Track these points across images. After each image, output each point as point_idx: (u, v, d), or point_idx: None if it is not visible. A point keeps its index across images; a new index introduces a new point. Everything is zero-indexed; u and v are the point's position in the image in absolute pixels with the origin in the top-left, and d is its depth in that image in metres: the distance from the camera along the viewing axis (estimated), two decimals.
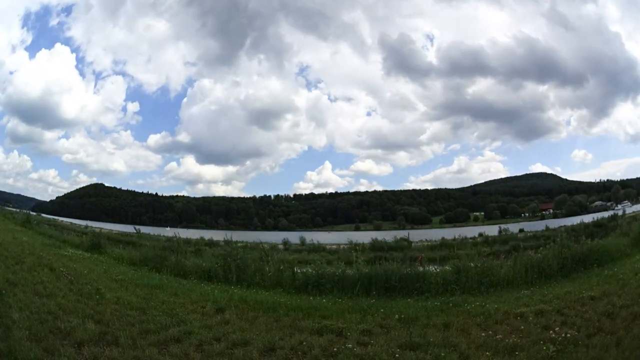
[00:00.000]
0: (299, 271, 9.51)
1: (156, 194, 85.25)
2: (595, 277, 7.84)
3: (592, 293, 6.50)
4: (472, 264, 8.76)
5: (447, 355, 4.57)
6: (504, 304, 6.68)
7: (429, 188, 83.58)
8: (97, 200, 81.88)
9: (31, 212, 42.32)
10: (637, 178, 70.23)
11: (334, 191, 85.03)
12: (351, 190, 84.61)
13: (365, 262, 9.41)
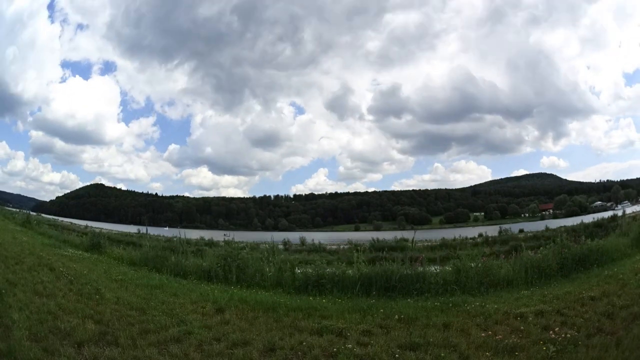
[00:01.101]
0: (299, 271, 9.51)
1: (156, 194, 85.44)
2: (595, 278, 7.83)
3: (592, 293, 6.49)
4: (472, 264, 8.77)
5: (447, 355, 4.57)
6: (503, 304, 6.68)
7: (429, 188, 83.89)
8: (97, 200, 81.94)
9: (31, 212, 42.32)
10: (637, 178, 70.37)
11: (334, 191, 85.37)
12: (350, 191, 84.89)
13: (365, 262, 9.41)
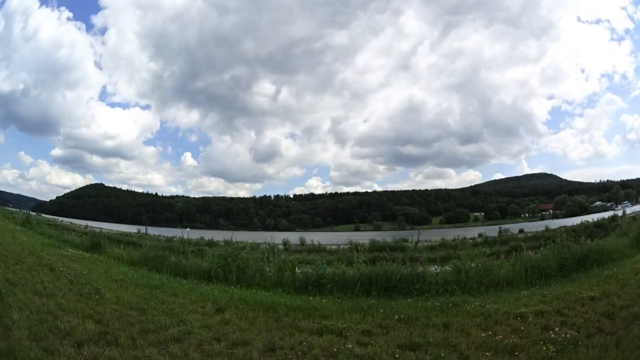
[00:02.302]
0: (299, 271, 9.51)
1: (156, 194, 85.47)
2: (595, 278, 7.83)
3: (591, 293, 6.50)
4: (472, 264, 8.77)
5: (447, 355, 4.57)
6: (503, 304, 6.68)
7: (429, 188, 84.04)
8: (97, 200, 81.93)
9: (31, 212, 42.34)
10: (637, 178, 70.39)
11: (334, 191, 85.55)
12: (350, 191, 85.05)
13: (366, 263, 9.41)
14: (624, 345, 4.36)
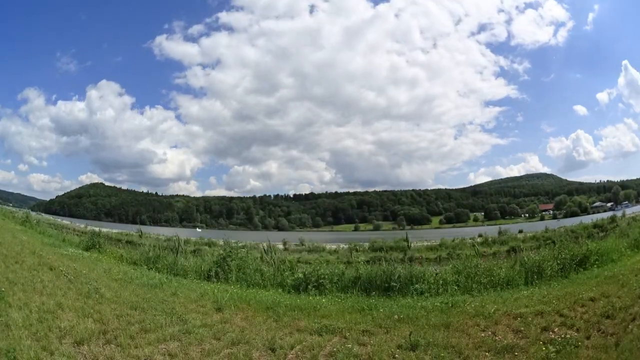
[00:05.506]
0: (299, 271, 9.51)
1: (156, 193, 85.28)
2: (595, 278, 7.83)
3: (591, 294, 6.49)
4: (472, 265, 8.77)
5: (446, 355, 4.57)
6: (503, 304, 6.68)
7: (429, 188, 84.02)
8: (97, 199, 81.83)
9: (31, 212, 42.30)
10: (637, 179, 70.34)
11: (334, 191, 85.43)
12: (350, 191, 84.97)
13: (365, 262, 9.42)
14: (624, 345, 4.36)
